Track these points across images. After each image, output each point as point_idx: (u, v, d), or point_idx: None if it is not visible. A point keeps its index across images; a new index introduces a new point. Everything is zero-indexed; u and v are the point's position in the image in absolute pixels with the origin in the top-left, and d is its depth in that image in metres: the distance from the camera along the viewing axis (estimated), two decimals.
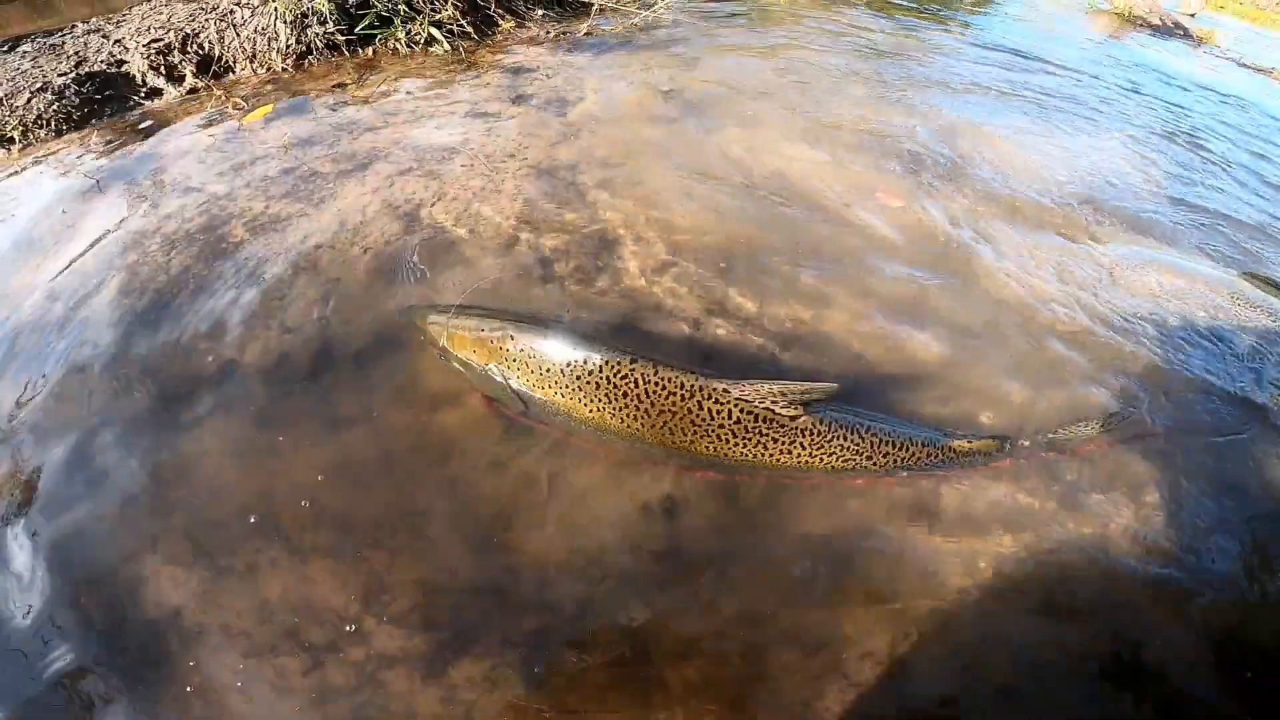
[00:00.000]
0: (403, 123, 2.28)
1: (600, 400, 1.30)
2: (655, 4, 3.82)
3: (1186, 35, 8.13)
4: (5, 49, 3.44)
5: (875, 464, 1.31)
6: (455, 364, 1.42)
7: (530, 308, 1.55)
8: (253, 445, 1.32)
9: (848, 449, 1.30)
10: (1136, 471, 1.40)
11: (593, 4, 3.59)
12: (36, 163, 2.36)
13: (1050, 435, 1.42)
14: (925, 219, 2.01)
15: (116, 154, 2.29)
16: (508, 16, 3.35)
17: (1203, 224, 2.38)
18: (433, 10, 3.19)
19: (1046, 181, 2.40)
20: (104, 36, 3.35)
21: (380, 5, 3.12)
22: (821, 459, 1.30)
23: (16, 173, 2.29)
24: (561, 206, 1.85)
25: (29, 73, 3.05)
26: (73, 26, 3.52)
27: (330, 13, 3.06)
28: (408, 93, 2.54)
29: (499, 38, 3.23)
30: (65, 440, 1.32)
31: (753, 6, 4.59)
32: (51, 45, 3.39)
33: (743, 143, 2.23)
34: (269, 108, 2.61)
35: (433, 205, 1.82)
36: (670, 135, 2.25)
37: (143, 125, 2.59)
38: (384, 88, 2.59)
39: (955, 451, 1.35)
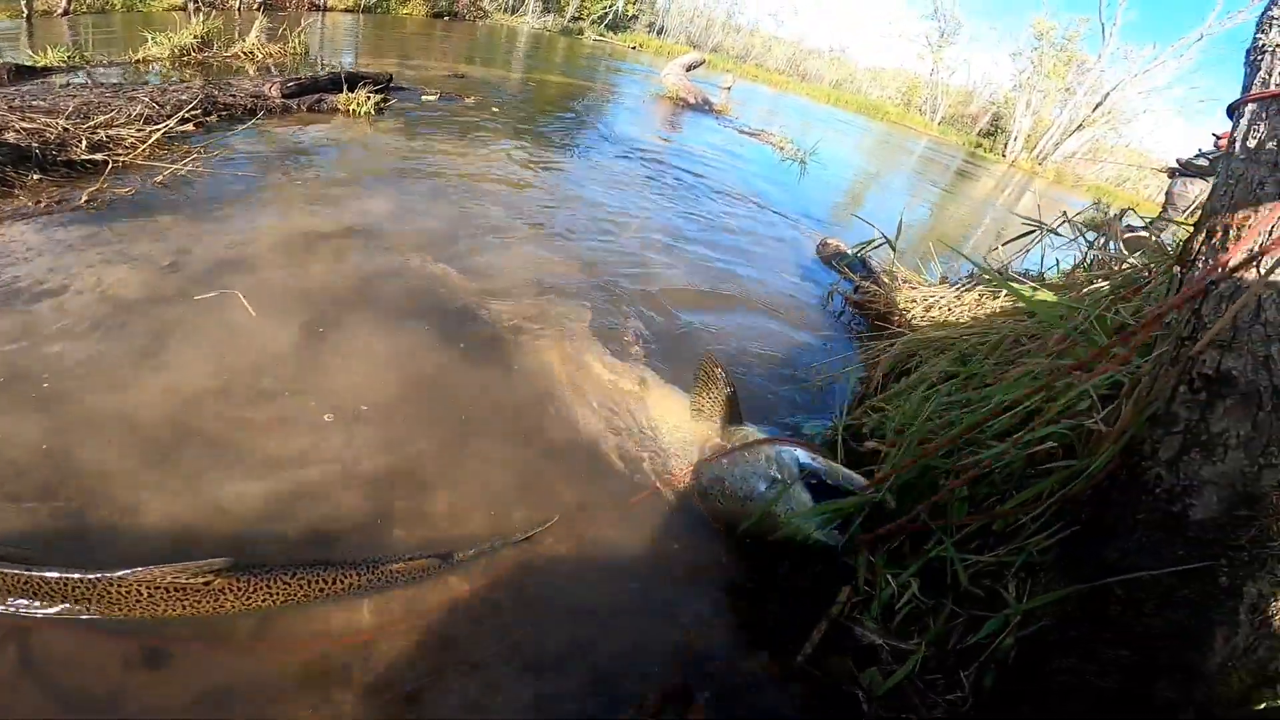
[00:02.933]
0: None
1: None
2: (196, 154, 3.87)
3: (711, 109, 11.35)
4: None
5: (312, 597, 1.64)
6: None
7: None
8: None
9: (277, 592, 1.60)
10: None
11: (108, 163, 3.49)
12: None
13: (486, 545, 1.87)
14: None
15: None
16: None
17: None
18: None
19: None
20: None
21: None
22: (254, 604, 1.58)
23: None
24: None
25: None
26: None
27: None
28: None
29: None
30: None
31: (339, 137, 4.92)
32: None
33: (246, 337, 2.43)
34: None
35: None
36: (153, 330, 2.35)
37: None
38: None
39: (399, 572, 1.74)
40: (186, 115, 4.42)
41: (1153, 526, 1.49)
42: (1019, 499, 1.72)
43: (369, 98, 5.68)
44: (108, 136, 3.72)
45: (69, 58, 6.93)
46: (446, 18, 20.43)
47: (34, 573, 1.45)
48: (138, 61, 7.63)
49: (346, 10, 26.01)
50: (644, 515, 2.12)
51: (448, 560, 1.81)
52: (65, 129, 3.63)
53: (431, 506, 1.97)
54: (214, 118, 4.74)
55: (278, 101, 5.28)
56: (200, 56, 8.19)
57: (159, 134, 3.98)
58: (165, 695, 1.38)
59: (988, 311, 2.69)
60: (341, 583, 1.67)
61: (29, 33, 10.54)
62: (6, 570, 1.45)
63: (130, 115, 4.12)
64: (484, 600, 1.77)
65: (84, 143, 3.55)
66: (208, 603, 1.53)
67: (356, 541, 1.81)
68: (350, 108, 5.56)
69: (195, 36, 8.40)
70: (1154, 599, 1.48)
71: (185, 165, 3.64)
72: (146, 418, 1.98)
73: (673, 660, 1.76)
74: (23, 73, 6.28)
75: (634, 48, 23.08)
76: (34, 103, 3.97)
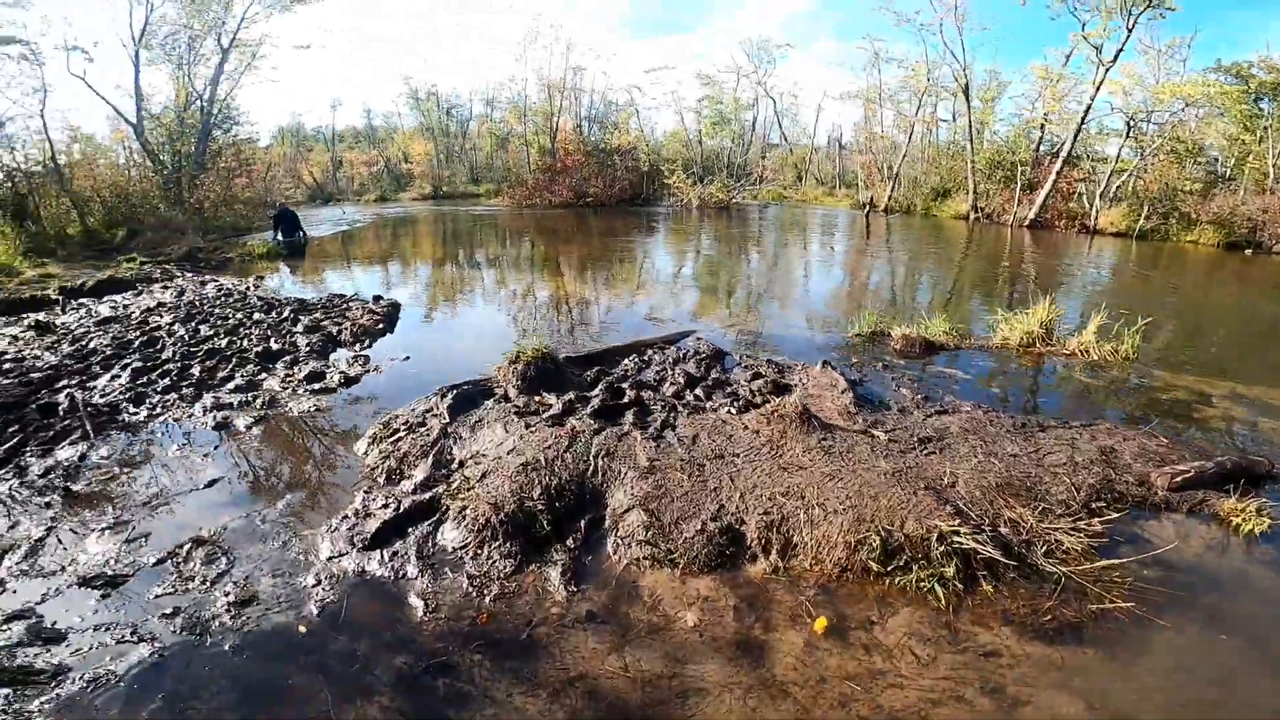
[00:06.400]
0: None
1: None
2: (1120, 579, 4.63)
3: None
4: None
5: None
6: None
7: None
8: None
9: None
10: None
11: (1056, 575, 4.61)
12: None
13: None
14: None
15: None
16: (990, 578, 4.57)
17: None
18: (945, 557, 4.60)
19: None
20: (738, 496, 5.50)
21: (909, 553, 4.66)
22: None
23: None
24: None
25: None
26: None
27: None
28: (926, 657, 3.92)
29: (978, 599, 4.45)
30: None
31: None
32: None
33: None
34: (824, 621, 4.20)
35: None
36: None
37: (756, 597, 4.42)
38: (918, 652, 4.00)
39: None
40: (1094, 509, 5.36)
41: None
42: None
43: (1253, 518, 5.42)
44: (1042, 529, 4.93)
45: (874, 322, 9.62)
46: (1248, 249, 17.23)
47: None
48: (997, 346, 9.62)
49: (1116, 234, 24.91)
50: None
51: None
52: (1031, 526, 5.00)
53: None
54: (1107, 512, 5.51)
55: (1161, 495, 5.67)
56: (1040, 350, 9.61)
57: (1083, 534, 4.98)
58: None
59: None
60: None
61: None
62: None
63: (1049, 496, 5.34)
64: None
65: (1042, 546, 4.82)
66: None
67: None
68: (1235, 522, 5.44)
69: (1041, 324, 9.91)
70: None
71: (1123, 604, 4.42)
72: None
73: None
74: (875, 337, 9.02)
75: None
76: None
